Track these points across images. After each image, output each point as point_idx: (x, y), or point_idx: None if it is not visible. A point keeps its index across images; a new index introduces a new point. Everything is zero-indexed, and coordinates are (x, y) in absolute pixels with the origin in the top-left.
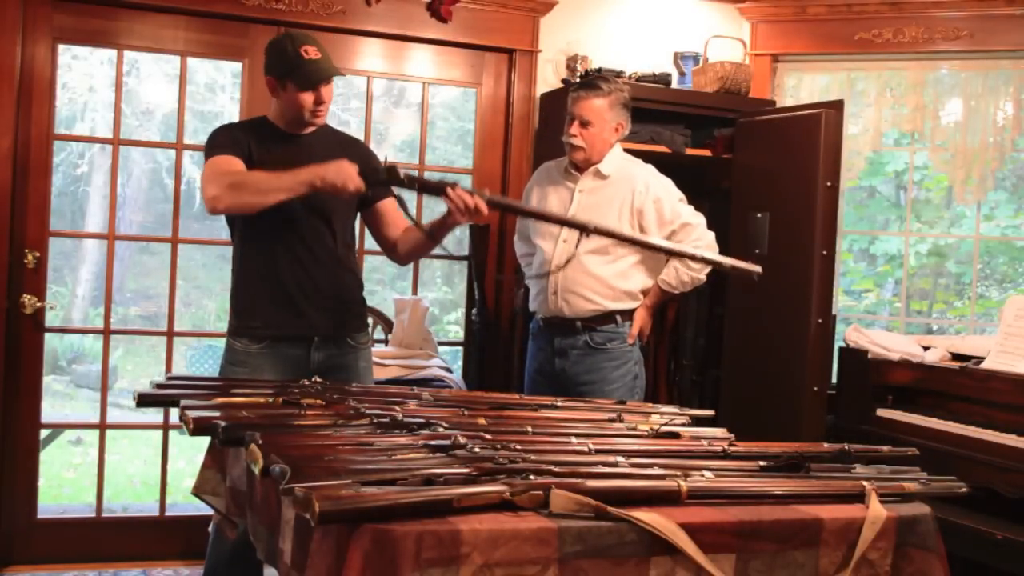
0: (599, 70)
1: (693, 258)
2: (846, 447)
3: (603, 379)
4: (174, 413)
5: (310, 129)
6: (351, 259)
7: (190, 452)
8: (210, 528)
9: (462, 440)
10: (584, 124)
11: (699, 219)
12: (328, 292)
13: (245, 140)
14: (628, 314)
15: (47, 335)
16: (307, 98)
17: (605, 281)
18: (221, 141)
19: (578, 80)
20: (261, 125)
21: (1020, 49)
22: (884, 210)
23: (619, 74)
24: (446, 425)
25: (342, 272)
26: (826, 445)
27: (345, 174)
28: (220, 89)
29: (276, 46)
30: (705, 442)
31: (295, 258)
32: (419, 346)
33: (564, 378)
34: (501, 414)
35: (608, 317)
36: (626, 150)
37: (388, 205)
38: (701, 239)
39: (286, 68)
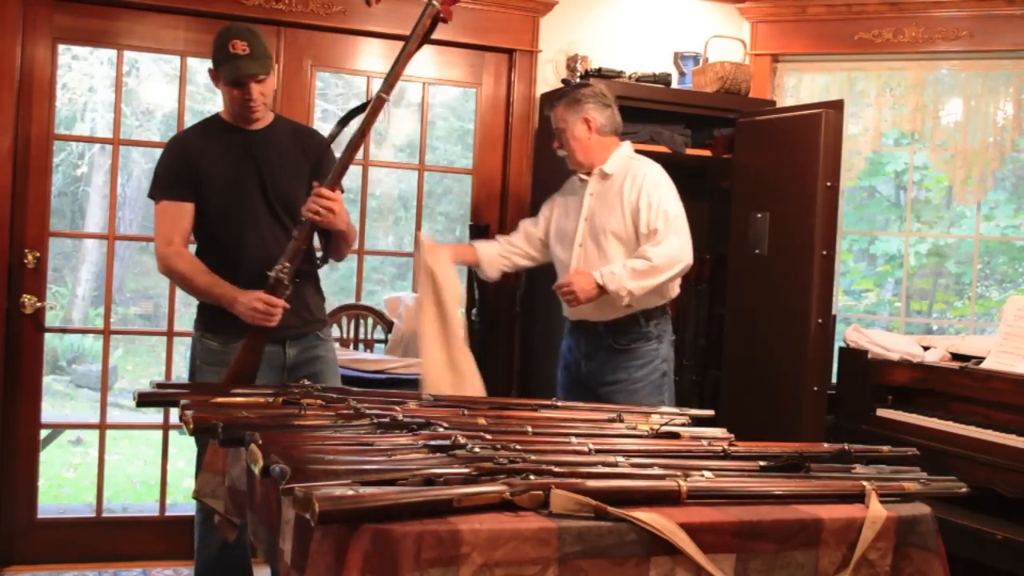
0: (599, 70)
1: None
2: (846, 447)
3: (628, 378)
4: (174, 413)
5: (259, 124)
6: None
7: (190, 452)
8: (195, 534)
9: (462, 440)
10: (559, 133)
11: (674, 224)
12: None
13: (185, 157)
14: (652, 312)
15: (47, 335)
16: (234, 93)
17: None
18: (165, 180)
19: (578, 80)
20: (209, 122)
21: (1020, 49)
22: (884, 210)
23: (619, 74)
24: (446, 425)
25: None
26: (826, 445)
27: (252, 310)
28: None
29: (216, 38)
30: (705, 442)
31: (259, 260)
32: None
33: (589, 379)
34: (501, 414)
35: (632, 319)
36: None
37: None
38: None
39: (215, 61)
